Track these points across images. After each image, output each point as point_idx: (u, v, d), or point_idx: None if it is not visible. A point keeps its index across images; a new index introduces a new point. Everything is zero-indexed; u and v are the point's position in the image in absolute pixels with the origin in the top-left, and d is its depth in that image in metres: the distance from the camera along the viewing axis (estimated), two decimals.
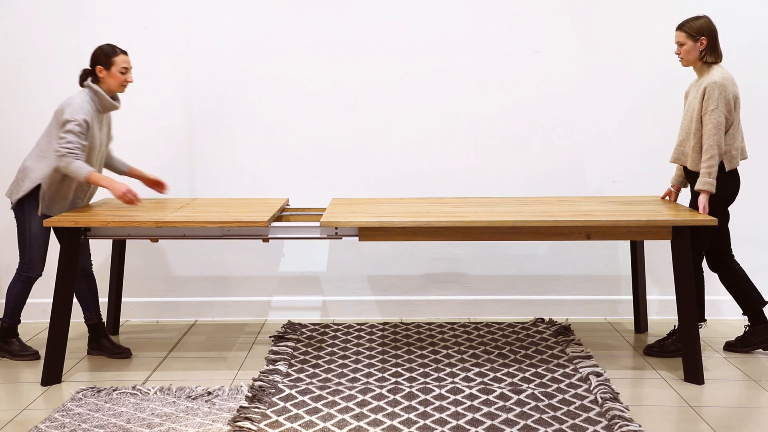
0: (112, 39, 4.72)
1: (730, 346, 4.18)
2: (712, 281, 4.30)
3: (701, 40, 3.87)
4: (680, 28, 3.93)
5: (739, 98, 3.90)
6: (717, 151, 3.80)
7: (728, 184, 3.92)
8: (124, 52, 4.03)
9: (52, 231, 4.11)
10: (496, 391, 3.60)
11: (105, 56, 3.98)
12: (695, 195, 3.95)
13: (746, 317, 4.16)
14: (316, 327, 4.62)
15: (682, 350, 3.80)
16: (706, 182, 3.81)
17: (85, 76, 4.04)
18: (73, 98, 3.96)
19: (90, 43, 4.74)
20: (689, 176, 4.03)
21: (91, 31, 4.73)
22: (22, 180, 4.00)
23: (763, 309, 4.13)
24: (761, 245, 4.80)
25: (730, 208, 4.05)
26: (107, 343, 4.23)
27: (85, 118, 3.89)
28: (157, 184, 4.36)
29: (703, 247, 3.97)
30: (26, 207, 3.99)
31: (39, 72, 4.76)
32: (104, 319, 4.44)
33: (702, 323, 4.07)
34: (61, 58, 4.74)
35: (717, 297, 4.60)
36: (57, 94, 4.75)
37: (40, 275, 4.14)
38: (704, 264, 4.13)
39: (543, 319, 4.73)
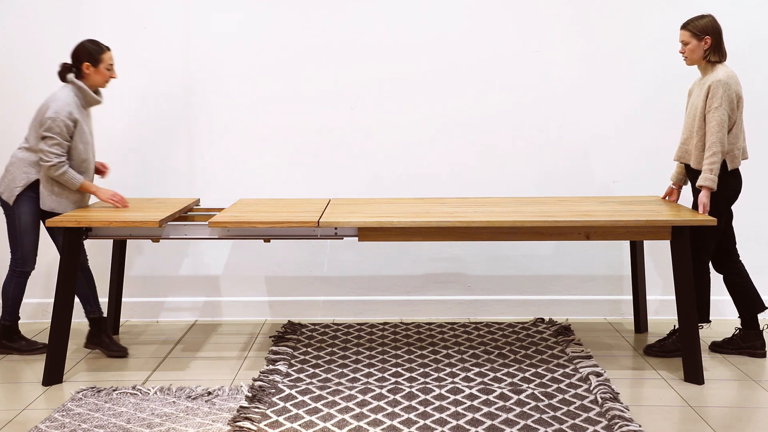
0: (112, 39, 4.73)
1: (716, 347, 4.17)
2: (715, 281, 4.28)
3: (705, 39, 3.86)
4: (684, 27, 3.92)
5: (743, 97, 3.90)
6: (720, 149, 3.80)
7: (730, 182, 3.92)
8: (109, 49, 4.08)
9: (42, 224, 4.10)
10: (496, 391, 3.60)
11: (91, 53, 4.02)
12: (697, 193, 3.95)
13: (740, 320, 4.15)
14: (316, 327, 4.62)
15: (682, 350, 3.80)
16: (708, 178, 3.81)
17: (65, 70, 4.05)
18: (57, 95, 3.99)
19: None
20: (691, 174, 4.03)
21: (91, 30, 4.72)
22: (15, 175, 4.01)
23: (758, 315, 4.12)
24: (762, 245, 4.80)
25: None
26: (106, 339, 4.21)
27: (69, 117, 3.93)
28: (100, 169, 4.32)
29: (709, 246, 3.96)
30: (16, 202, 4.02)
31: (38, 72, 4.74)
32: (105, 314, 4.44)
33: (706, 324, 4.07)
34: (60, 59, 4.74)
35: (718, 297, 4.59)
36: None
37: (33, 269, 4.16)
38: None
39: (543, 319, 4.73)
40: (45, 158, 3.91)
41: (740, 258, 4.13)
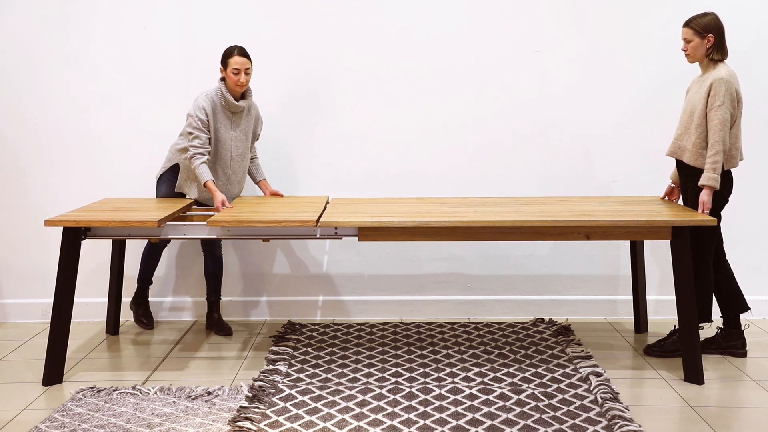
0: (112, 39, 4.75)
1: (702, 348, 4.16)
2: None
3: (708, 37, 3.86)
4: (687, 24, 3.92)
5: (742, 97, 3.89)
6: (722, 147, 3.80)
7: (726, 183, 3.92)
8: (243, 54, 4.22)
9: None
10: (496, 391, 3.60)
11: (224, 57, 4.25)
12: (692, 190, 3.95)
13: (722, 319, 4.15)
14: (316, 327, 4.62)
15: (681, 350, 3.80)
16: (711, 177, 3.80)
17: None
18: (201, 92, 4.31)
19: (88, 42, 4.76)
20: (684, 170, 4.02)
21: (91, 30, 4.72)
22: (166, 158, 4.44)
23: (740, 315, 4.12)
24: (761, 245, 4.80)
25: (724, 209, 4.04)
26: (214, 319, 4.62)
27: (200, 112, 4.21)
28: (276, 195, 4.56)
29: (710, 245, 3.95)
30: (160, 180, 4.45)
31: (36, 71, 4.75)
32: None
33: (707, 324, 4.07)
34: (58, 58, 4.74)
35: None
36: (57, 95, 4.77)
37: (165, 243, 4.56)
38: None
39: (543, 319, 4.73)
40: (188, 149, 4.24)
41: (726, 257, 4.12)
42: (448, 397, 3.53)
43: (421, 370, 3.89)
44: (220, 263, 4.60)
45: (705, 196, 3.82)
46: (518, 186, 4.80)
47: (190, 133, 4.21)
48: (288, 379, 3.78)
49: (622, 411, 3.32)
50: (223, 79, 4.27)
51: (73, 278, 3.81)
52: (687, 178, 3.99)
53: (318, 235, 3.82)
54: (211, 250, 4.56)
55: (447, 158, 4.81)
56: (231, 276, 4.90)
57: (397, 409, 3.41)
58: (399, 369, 3.91)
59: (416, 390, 3.62)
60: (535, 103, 4.77)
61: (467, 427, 3.23)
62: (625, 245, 4.78)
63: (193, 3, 4.73)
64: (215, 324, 4.59)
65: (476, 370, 3.88)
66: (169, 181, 4.43)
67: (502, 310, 4.89)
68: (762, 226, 4.80)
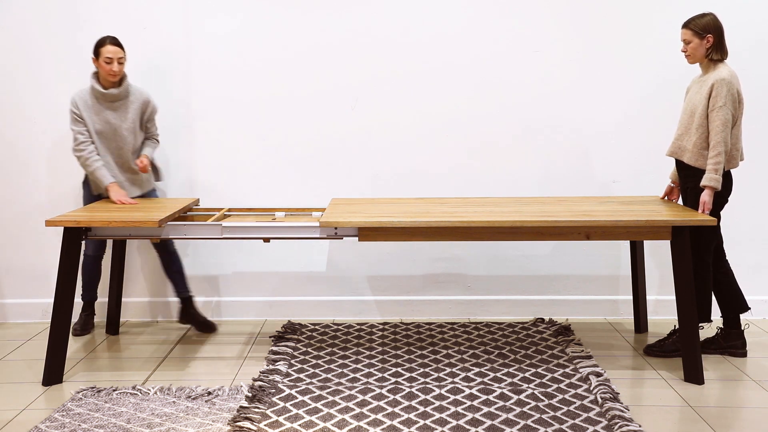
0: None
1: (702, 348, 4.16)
2: None
3: (708, 38, 3.86)
4: (686, 25, 3.92)
5: (743, 98, 3.90)
6: (724, 148, 3.80)
7: (726, 184, 3.92)
8: (115, 43, 4.23)
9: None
10: (496, 391, 3.60)
11: (96, 47, 4.25)
12: (692, 190, 3.95)
13: (723, 319, 4.15)
14: (316, 327, 4.62)
15: (682, 350, 3.80)
16: (713, 178, 3.81)
17: None
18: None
19: (88, 42, 4.75)
20: (684, 170, 4.02)
21: (90, 30, 4.72)
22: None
23: (740, 315, 4.12)
24: (760, 245, 4.80)
25: (724, 209, 4.05)
26: (199, 317, 4.58)
27: (72, 106, 4.26)
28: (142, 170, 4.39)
29: (711, 244, 3.96)
30: (83, 189, 4.44)
31: (35, 71, 4.75)
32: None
33: (707, 324, 4.07)
34: (57, 58, 4.74)
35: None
36: (57, 94, 4.77)
37: (96, 253, 4.46)
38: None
39: (543, 319, 4.73)
40: (79, 152, 4.29)
41: (726, 257, 4.12)
42: (448, 397, 3.53)
43: (421, 370, 3.89)
44: (177, 258, 4.52)
45: (706, 197, 3.83)
46: (518, 186, 4.80)
47: (73, 132, 4.25)
48: (288, 379, 3.78)
49: (622, 411, 3.33)
50: (96, 73, 4.28)
51: (74, 278, 3.82)
52: (687, 178, 3.99)
53: (318, 236, 3.82)
54: (165, 248, 4.47)
55: (447, 158, 4.81)
56: (231, 276, 4.90)
57: (397, 409, 3.41)
58: (399, 369, 3.91)
59: (416, 390, 3.62)
60: (535, 102, 4.77)
61: (467, 427, 3.23)
62: (625, 245, 4.78)
63: (193, 3, 4.73)
64: (196, 321, 4.54)
65: (476, 370, 3.88)
66: (87, 186, 4.43)
67: (502, 310, 4.89)
68: (762, 226, 4.80)
